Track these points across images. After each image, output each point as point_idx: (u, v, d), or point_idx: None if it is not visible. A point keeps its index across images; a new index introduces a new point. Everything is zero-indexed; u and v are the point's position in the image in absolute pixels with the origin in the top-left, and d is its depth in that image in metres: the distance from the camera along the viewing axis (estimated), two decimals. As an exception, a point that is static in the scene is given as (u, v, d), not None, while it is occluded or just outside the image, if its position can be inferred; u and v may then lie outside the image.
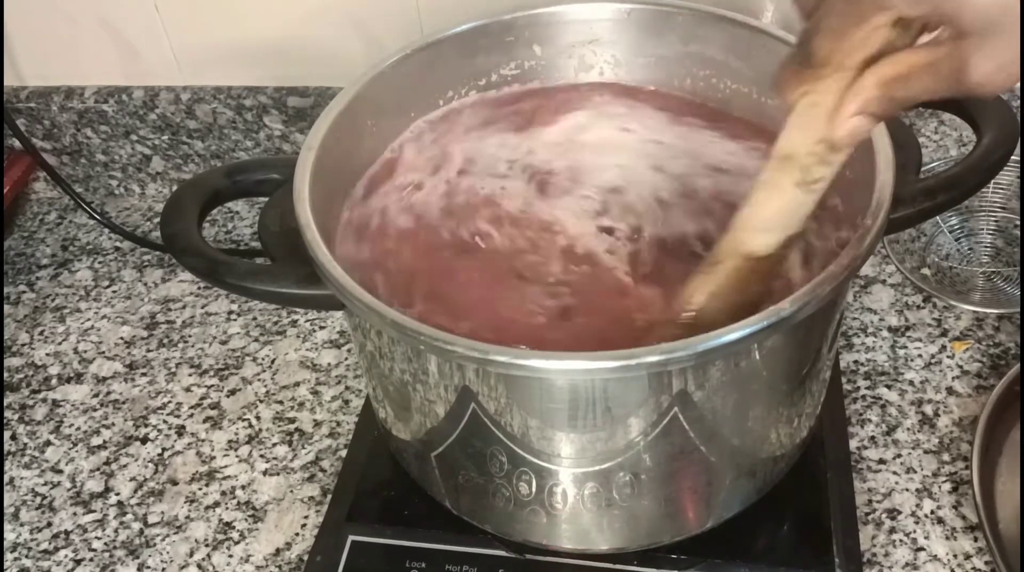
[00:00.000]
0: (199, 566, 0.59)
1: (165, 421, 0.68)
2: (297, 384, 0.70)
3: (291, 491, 0.63)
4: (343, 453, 0.64)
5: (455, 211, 0.54)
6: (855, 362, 0.67)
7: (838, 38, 0.35)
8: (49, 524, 0.62)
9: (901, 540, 0.57)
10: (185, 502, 0.63)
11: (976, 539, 0.56)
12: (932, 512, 0.58)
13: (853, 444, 0.61)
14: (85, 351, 0.74)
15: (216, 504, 0.62)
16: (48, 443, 0.68)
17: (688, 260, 0.49)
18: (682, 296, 0.46)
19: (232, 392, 0.70)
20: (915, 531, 0.57)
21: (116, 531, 0.62)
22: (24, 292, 0.80)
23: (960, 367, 0.66)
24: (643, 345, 0.40)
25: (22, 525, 0.63)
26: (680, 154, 0.56)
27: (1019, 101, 0.71)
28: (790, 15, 0.66)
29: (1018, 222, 0.73)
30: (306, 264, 0.46)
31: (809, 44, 0.36)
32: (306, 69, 0.78)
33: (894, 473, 0.60)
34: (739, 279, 0.44)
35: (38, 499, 0.64)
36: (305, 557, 0.58)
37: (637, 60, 0.60)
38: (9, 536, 0.62)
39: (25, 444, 0.68)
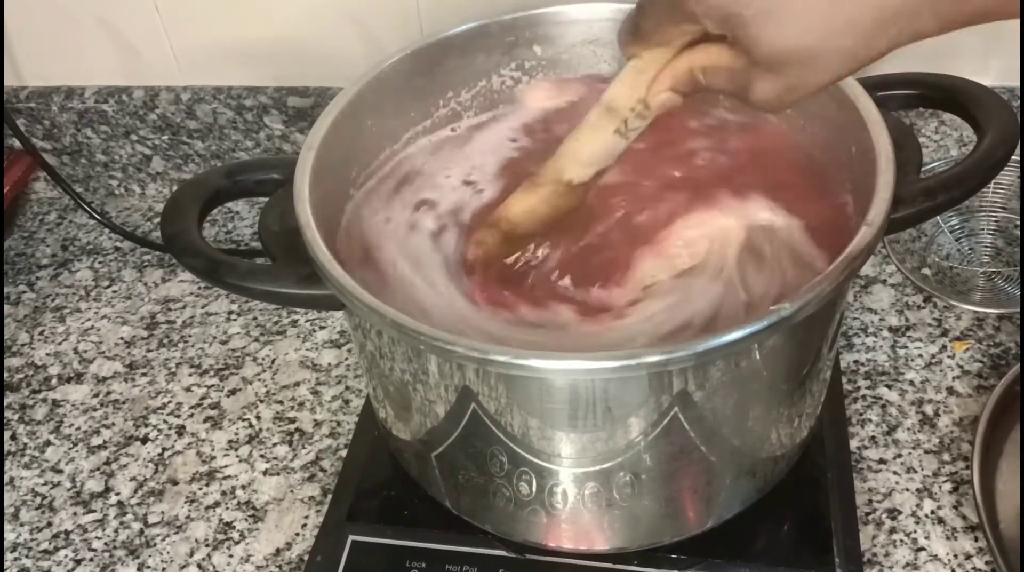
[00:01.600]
0: (199, 566, 0.59)
1: (165, 421, 0.68)
2: (297, 384, 0.70)
3: (291, 491, 0.63)
4: (343, 453, 0.64)
5: None
6: (855, 362, 0.67)
7: (658, 24, 0.42)
8: (49, 524, 0.62)
9: (901, 540, 0.57)
10: (185, 502, 0.63)
11: (976, 539, 0.56)
12: (932, 512, 0.58)
13: (853, 444, 0.61)
14: (85, 351, 0.74)
15: (216, 504, 0.62)
16: (48, 443, 0.68)
17: None
18: (503, 206, 0.52)
19: (232, 392, 0.70)
20: (915, 531, 0.57)
21: (116, 531, 0.62)
22: (24, 292, 0.80)
23: (960, 367, 0.66)
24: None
25: (22, 525, 0.63)
26: None
27: (1019, 101, 0.71)
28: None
29: (1018, 222, 0.73)
30: (306, 264, 0.46)
31: (638, 19, 0.43)
32: (306, 69, 0.78)
33: (894, 473, 0.60)
34: (553, 199, 0.50)
35: (38, 499, 0.64)
36: (305, 557, 0.58)
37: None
38: (9, 536, 0.62)
39: (25, 444, 0.68)
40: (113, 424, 0.68)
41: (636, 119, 0.46)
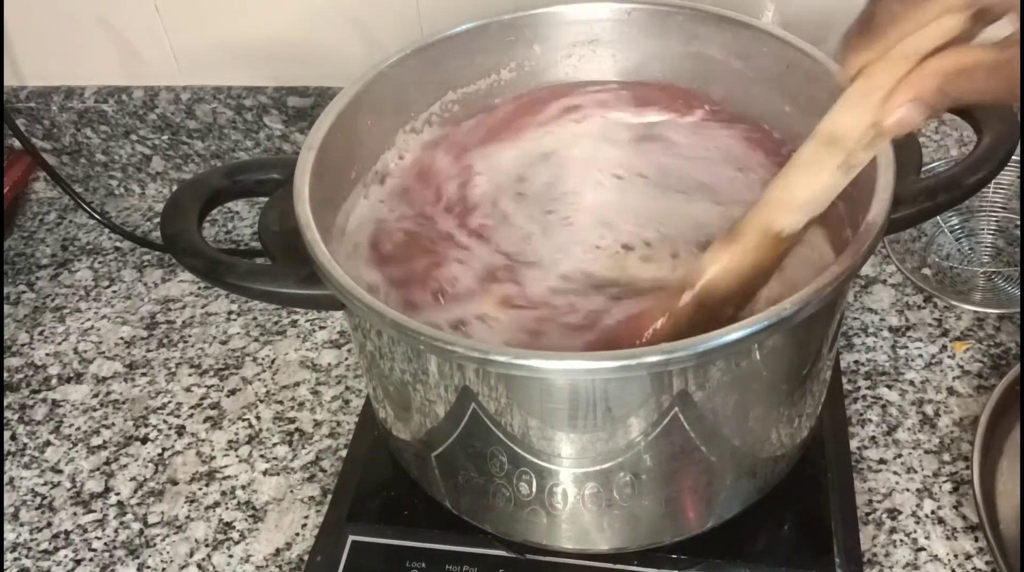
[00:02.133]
0: (199, 566, 0.59)
1: (165, 421, 0.68)
2: (297, 384, 0.70)
3: (291, 491, 0.63)
4: (343, 453, 0.64)
5: None
6: (855, 362, 0.66)
7: (905, 6, 0.33)
8: (49, 524, 0.62)
9: (902, 540, 0.57)
10: (185, 502, 0.63)
11: (977, 539, 0.56)
12: (933, 512, 0.58)
13: (853, 444, 0.61)
14: (85, 351, 0.74)
15: (216, 504, 0.62)
16: (48, 443, 0.68)
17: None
18: (697, 265, 0.45)
19: (232, 392, 0.70)
20: (916, 531, 0.57)
21: (116, 531, 0.62)
22: (24, 292, 0.80)
23: (961, 367, 0.65)
24: (651, 316, 0.43)
25: (22, 525, 0.63)
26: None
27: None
28: (790, 15, 0.66)
29: (1019, 222, 0.73)
30: (306, 264, 0.46)
31: (872, 8, 0.34)
32: (306, 69, 0.78)
33: (895, 473, 0.60)
34: (757, 254, 0.43)
35: (38, 499, 0.64)
36: (305, 557, 0.58)
37: (637, 60, 0.60)
38: (9, 536, 0.62)
39: (25, 444, 0.68)
40: (113, 424, 0.68)
41: (864, 150, 0.38)
